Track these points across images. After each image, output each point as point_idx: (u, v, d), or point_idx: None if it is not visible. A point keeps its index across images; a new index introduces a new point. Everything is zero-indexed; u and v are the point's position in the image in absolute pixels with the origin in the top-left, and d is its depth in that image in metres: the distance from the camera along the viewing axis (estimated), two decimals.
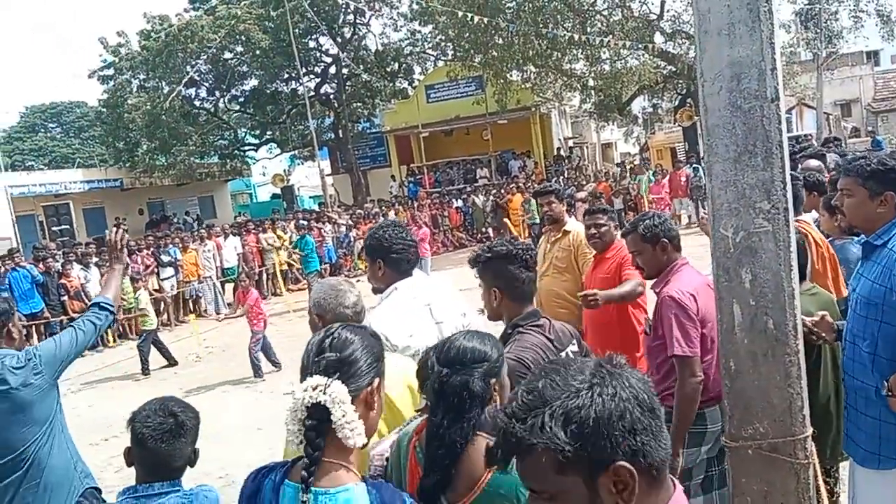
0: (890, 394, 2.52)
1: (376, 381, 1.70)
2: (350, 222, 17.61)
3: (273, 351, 9.26)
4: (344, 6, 24.23)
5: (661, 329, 3.15)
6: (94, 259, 13.97)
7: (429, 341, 2.73)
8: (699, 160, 20.94)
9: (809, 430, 2.49)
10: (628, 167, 25.07)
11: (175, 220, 25.89)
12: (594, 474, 1.10)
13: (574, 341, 2.74)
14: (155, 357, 10.60)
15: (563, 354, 2.65)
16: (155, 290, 14.53)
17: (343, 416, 1.53)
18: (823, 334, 2.85)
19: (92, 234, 24.15)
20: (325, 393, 1.53)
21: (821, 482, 2.50)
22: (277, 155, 32.46)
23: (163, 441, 2.19)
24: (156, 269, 14.75)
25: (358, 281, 13.85)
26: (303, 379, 1.61)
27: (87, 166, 31.72)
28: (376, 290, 2.96)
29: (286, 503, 1.57)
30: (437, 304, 2.89)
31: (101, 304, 3.17)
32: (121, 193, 26.71)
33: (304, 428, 1.54)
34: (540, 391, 1.13)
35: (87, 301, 12.77)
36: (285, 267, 17.50)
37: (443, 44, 26.45)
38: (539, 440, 1.09)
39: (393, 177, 27.36)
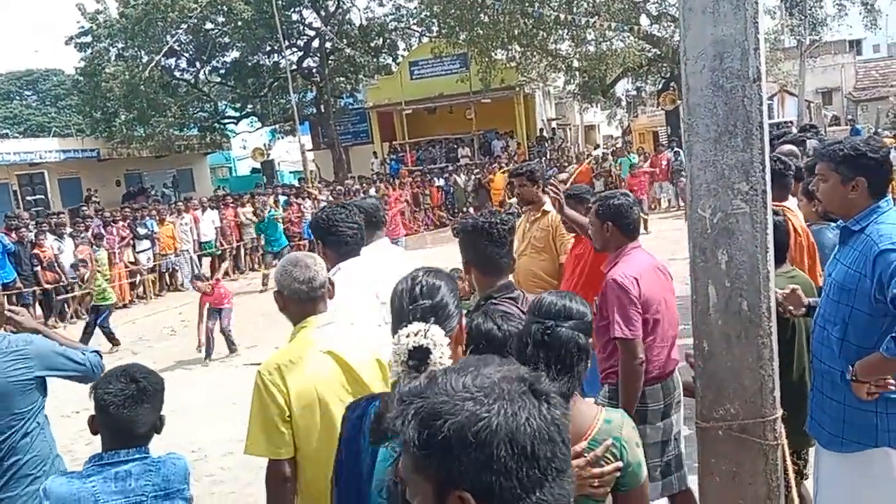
0: (854, 378, 2.55)
1: (462, 319, 1.91)
2: (331, 198, 17.44)
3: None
4: None
5: (606, 311, 3.21)
6: (69, 230, 13.76)
7: (371, 322, 2.83)
8: (681, 144, 21.05)
9: (779, 412, 2.52)
10: (610, 150, 25.13)
11: (153, 192, 25.51)
12: (441, 490, 1.00)
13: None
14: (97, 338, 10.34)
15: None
16: (130, 263, 14.37)
17: (441, 356, 1.68)
18: (791, 308, 2.88)
19: (67, 204, 23.75)
20: (426, 337, 1.68)
21: (788, 463, 2.53)
22: (258, 129, 32.06)
23: (125, 407, 2.16)
24: (131, 242, 14.56)
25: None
26: (398, 324, 1.79)
27: (63, 136, 31.08)
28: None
29: None
30: (384, 283, 2.85)
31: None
32: (97, 164, 26.25)
33: (407, 368, 1.68)
34: (435, 381, 1.04)
35: (60, 272, 12.60)
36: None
37: (428, 20, 26.19)
38: (400, 430, 1.02)
39: (375, 153, 27.17)
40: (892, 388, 2.52)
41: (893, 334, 2.38)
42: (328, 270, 2.90)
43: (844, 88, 35.26)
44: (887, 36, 29.82)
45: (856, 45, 40.64)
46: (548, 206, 4.75)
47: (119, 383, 2.18)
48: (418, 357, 1.68)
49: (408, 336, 1.70)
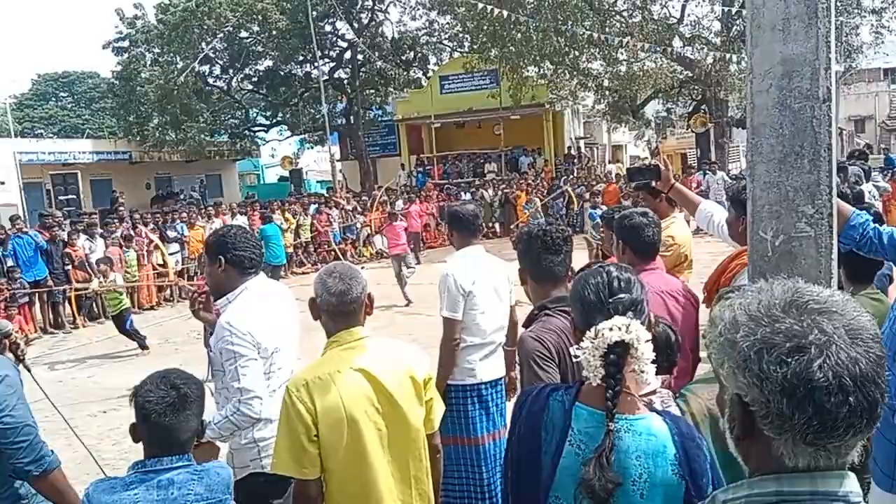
0: None
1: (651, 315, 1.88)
2: (359, 208, 17.53)
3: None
4: None
5: None
6: (99, 230, 13.94)
7: (284, 341, 2.91)
8: (710, 166, 20.87)
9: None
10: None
11: (182, 196, 25.81)
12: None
13: None
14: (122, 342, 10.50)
15: None
16: (159, 265, 14.50)
17: (643, 353, 1.63)
18: None
19: (98, 205, 24.09)
20: (628, 332, 1.62)
21: None
22: (287, 137, 32.36)
23: (166, 415, 2.13)
24: (159, 244, 14.70)
25: (362, 268, 13.87)
26: (592, 317, 1.72)
27: (96, 137, 31.62)
28: (218, 295, 2.99)
29: (580, 423, 1.69)
30: (278, 296, 3.07)
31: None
32: (129, 166, 26.64)
33: (605, 363, 1.62)
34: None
35: (90, 271, 12.74)
36: (290, 249, 17.50)
37: (460, 35, 26.32)
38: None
39: (403, 165, 27.26)
40: None
41: None
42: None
43: (878, 116, 34.81)
44: None
45: (890, 74, 40.21)
46: (665, 221, 4.62)
47: (159, 391, 2.15)
48: (618, 352, 1.63)
49: (611, 329, 1.63)
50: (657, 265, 3.33)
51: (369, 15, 27.98)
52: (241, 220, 16.67)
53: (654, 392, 2.11)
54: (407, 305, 11.57)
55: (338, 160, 27.41)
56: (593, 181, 22.77)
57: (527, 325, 2.66)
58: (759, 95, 2.37)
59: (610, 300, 1.76)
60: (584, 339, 1.68)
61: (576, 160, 28.30)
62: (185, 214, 16.14)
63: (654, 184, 3.71)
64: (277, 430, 2.31)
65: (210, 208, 17.72)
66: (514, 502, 1.83)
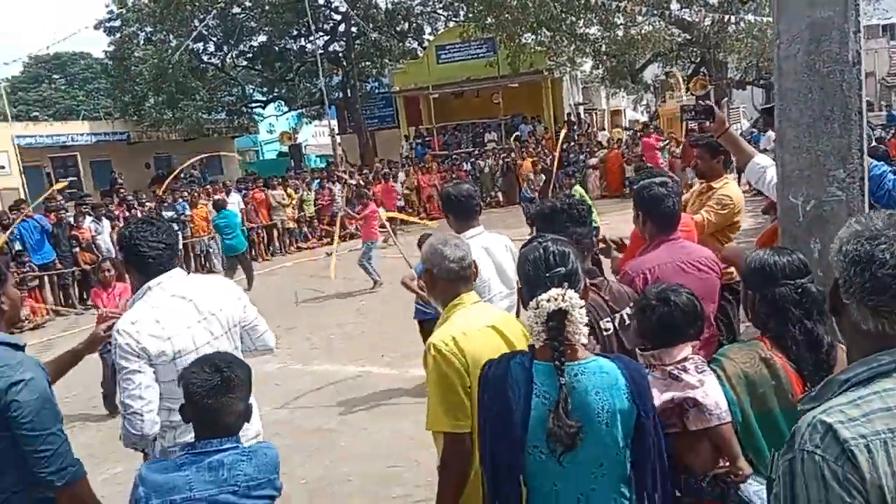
0: None
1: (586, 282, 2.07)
2: (362, 182, 17.49)
3: None
4: None
5: None
6: (104, 211, 13.97)
7: (192, 341, 2.64)
8: (757, 125, 20.68)
9: None
10: (635, 135, 24.88)
11: (183, 175, 25.68)
12: None
13: (631, 304, 2.70)
14: None
15: (616, 318, 2.64)
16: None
17: (578, 318, 1.85)
18: None
19: (99, 186, 24.05)
20: (564, 300, 1.84)
21: None
22: (285, 113, 32.13)
23: (210, 398, 2.15)
24: None
25: (385, 242, 13.54)
26: (534, 290, 1.91)
27: (92, 119, 31.39)
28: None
29: (540, 377, 1.89)
30: (200, 298, 2.75)
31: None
32: (127, 147, 26.50)
33: (546, 328, 1.85)
34: None
35: (97, 253, 12.78)
36: (292, 225, 17.49)
37: (455, 4, 26.01)
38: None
39: (406, 137, 27.11)
40: None
41: None
42: (132, 292, 2.78)
43: (878, 73, 34.55)
44: None
45: (889, 30, 39.77)
46: (719, 182, 4.45)
47: (204, 373, 2.17)
48: (558, 318, 1.85)
49: (548, 301, 1.85)
50: (678, 235, 3.31)
51: None
52: (236, 198, 16.58)
53: (686, 359, 2.21)
54: (374, 287, 10.96)
55: (336, 134, 27.27)
56: (595, 147, 22.67)
57: None
58: (786, 60, 2.38)
59: (547, 274, 1.94)
60: (528, 308, 1.91)
61: (576, 126, 28.14)
62: (185, 193, 16.08)
63: (707, 124, 3.57)
64: (428, 389, 2.30)
65: (208, 186, 17.65)
66: (494, 460, 1.96)
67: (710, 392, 2.11)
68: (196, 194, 15.98)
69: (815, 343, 2.16)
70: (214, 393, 2.14)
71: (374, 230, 11.42)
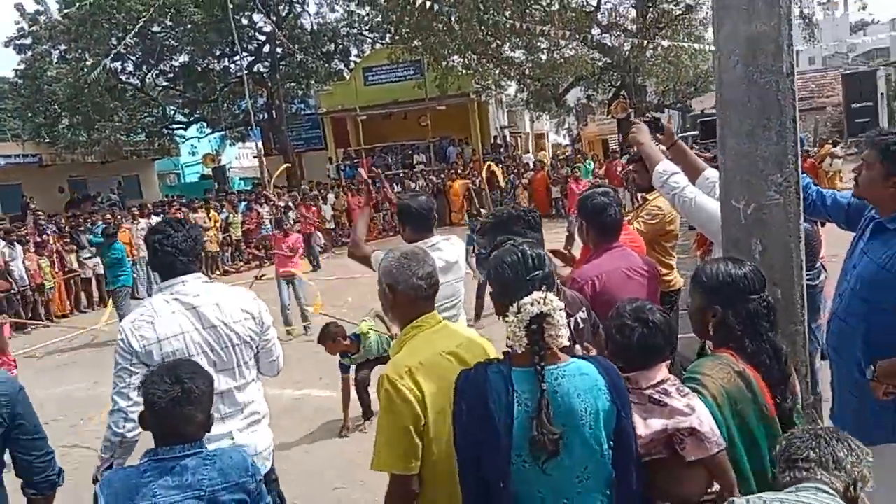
0: (874, 378, 2.53)
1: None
2: (290, 204, 17.26)
3: None
4: None
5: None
6: (15, 236, 13.28)
7: (185, 348, 2.67)
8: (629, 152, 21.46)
9: (812, 398, 2.59)
10: (560, 157, 25.52)
11: (100, 199, 24.72)
12: None
13: (583, 308, 2.77)
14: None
15: (571, 322, 2.69)
16: (71, 271, 13.85)
17: (559, 320, 1.85)
18: None
19: (7, 211, 22.82)
20: (545, 304, 1.84)
21: None
22: (208, 134, 31.42)
23: (171, 409, 2.11)
24: (66, 248, 14.05)
25: (306, 272, 13.08)
26: (513, 294, 1.89)
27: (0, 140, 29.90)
28: None
29: (521, 384, 1.86)
30: (206, 307, 2.77)
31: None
32: (39, 170, 25.27)
33: (528, 332, 1.84)
34: None
35: (11, 280, 12.13)
36: (215, 248, 17.03)
37: (382, 26, 26.17)
38: None
39: (331, 159, 26.97)
40: None
41: None
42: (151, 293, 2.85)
43: None
44: (823, 48, 31.03)
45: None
46: (653, 194, 4.47)
47: (164, 384, 2.12)
48: (539, 322, 1.85)
49: (532, 304, 1.85)
50: (620, 243, 3.41)
51: (287, 7, 27.45)
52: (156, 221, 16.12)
53: (664, 381, 2.10)
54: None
55: (263, 155, 26.84)
56: (521, 169, 23.10)
57: None
58: (726, 73, 2.50)
59: (527, 278, 1.92)
60: (507, 313, 1.89)
61: (503, 149, 28.63)
62: (109, 216, 15.49)
63: (658, 137, 3.57)
64: (378, 425, 2.14)
65: (134, 209, 17.05)
66: (479, 475, 1.90)
67: (704, 418, 1.99)
68: (118, 217, 15.37)
69: (778, 353, 2.21)
70: (174, 404, 2.08)
71: (293, 262, 9.95)
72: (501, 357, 2.00)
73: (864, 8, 29.62)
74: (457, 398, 1.95)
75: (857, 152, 18.66)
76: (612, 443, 1.90)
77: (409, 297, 2.28)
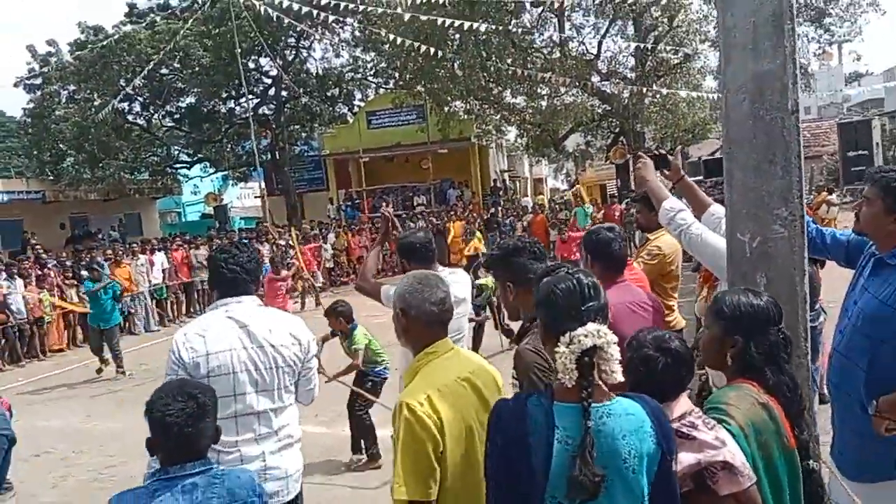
0: (876, 413, 2.54)
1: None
2: (291, 242, 17.32)
3: None
4: (288, 28, 24.04)
5: None
6: (16, 270, 13.31)
7: (231, 364, 2.76)
8: (631, 195, 21.68)
9: (817, 431, 2.60)
10: (559, 201, 25.76)
11: (101, 236, 24.80)
12: None
13: None
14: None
15: None
16: (74, 304, 13.82)
17: (613, 354, 1.74)
18: None
19: (7, 246, 22.86)
20: (600, 337, 1.74)
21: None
22: (211, 174, 31.72)
23: (188, 426, 2.13)
24: (66, 283, 14.04)
25: (295, 303, 13.24)
26: (563, 323, 1.79)
27: (4, 177, 30.09)
28: None
29: (563, 420, 1.76)
30: (258, 328, 2.87)
31: None
32: (41, 206, 25.39)
33: (579, 366, 1.73)
34: None
35: (7, 313, 12.12)
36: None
37: (387, 71, 26.65)
38: None
39: (331, 200, 27.19)
40: None
41: None
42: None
43: None
44: (818, 98, 31.57)
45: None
46: (655, 234, 4.58)
47: (178, 403, 2.13)
48: (591, 356, 1.74)
49: (586, 336, 1.73)
50: (625, 278, 3.45)
51: (293, 52, 27.98)
52: (160, 257, 16.17)
53: (689, 413, 2.07)
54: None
55: (265, 195, 27.06)
56: (521, 212, 23.27)
57: (520, 337, 2.69)
58: (734, 109, 2.57)
59: (583, 308, 1.82)
60: (558, 344, 1.76)
61: (502, 192, 28.90)
62: (109, 252, 15.54)
63: (666, 172, 3.56)
64: (397, 452, 2.11)
65: (135, 245, 17.11)
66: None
67: (735, 451, 1.95)
68: (119, 253, 15.41)
69: (796, 385, 2.21)
70: (193, 420, 2.10)
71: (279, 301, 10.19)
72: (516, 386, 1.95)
73: (858, 59, 30.31)
74: (492, 429, 1.87)
75: (853, 200, 18.86)
76: (650, 487, 1.79)
77: (422, 322, 2.28)
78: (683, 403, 2.06)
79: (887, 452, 2.58)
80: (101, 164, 24.76)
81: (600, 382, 1.78)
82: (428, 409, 2.10)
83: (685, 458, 1.94)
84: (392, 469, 2.13)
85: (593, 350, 1.74)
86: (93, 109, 23.52)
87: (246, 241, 3.18)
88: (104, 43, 22.86)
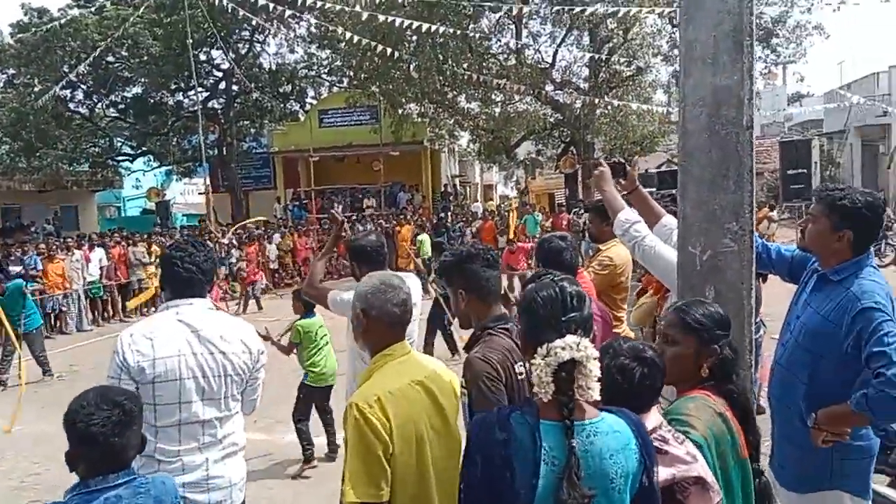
0: (815, 426, 2.60)
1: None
2: (234, 242, 16.97)
3: None
4: (243, 21, 23.53)
5: None
6: None
7: (178, 370, 2.65)
8: (579, 204, 21.98)
9: (760, 440, 2.62)
10: (508, 208, 25.94)
11: (34, 229, 23.82)
12: None
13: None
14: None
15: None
16: None
17: (592, 370, 1.64)
18: None
19: None
20: (579, 350, 1.64)
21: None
22: (155, 168, 30.84)
23: (115, 435, 2.00)
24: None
25: (237, 304, 13.01)
26: (543, 333, 1.69)
27: None
28: None
29: (549, 439, 1.66)
30: (209, 333, 2.75)
31: None
32: None
33: (555, 379, 1.64)
34: None
35: None
36: (152, 284, 16.44)
37: (341, 69, 26.39)
38: None
39: (278, 199, 26.77)
40: (848, 438, 2.59)
41: (866, 391, 2.42)
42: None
43: None
44: (762, 116, 32.55)
45: None
46: (607, 244, 4.56)
47: (102, 411, 2.01)
48: (568, 370, 1.64)
49: (563, 348, 1.64)
50: None
51: (247, 45, 27.47)
52: (99, 253, 15.55)
53: (659, 426, 2.02)
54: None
55: (210, 192, 26.45)
56: (470, 217, 23.33)
57: (470, 346, 2.63)
58: (691, 122, 2.58)
59: (563, 318, 1.73)
60: (535, 355, 1.67)
61: (452, 197, 28.93)
62: (42, 245, 14.89)
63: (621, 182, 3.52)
64: (347, 454, 2.10)
65: (69, 240, 16.42)
66: None
67: (707, 466, 1.93)
68: (53, 247, 14.79)
69: (745, 392, 2.25)
70: (120, 429, 1.99)
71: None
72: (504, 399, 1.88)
73: (801, 80, 31.34)
74: (471, 448, 1.76)
75: (791, 217, 19.34)
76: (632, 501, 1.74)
77: (384, 324, 2.27)
78: (654, 417, 2.01)
79: (825, 464, 2.65)
80: (37, 154, 23.80)
81: (584, 400, 1.68)
82: (377, 411, 2.09)
83: (661, 473, 1.88)
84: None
85: (572, 364, 1.64)
86: (32, 95, 22.61)
87: (203, 241, 3.06)
88: (48, 26, 21.95)
